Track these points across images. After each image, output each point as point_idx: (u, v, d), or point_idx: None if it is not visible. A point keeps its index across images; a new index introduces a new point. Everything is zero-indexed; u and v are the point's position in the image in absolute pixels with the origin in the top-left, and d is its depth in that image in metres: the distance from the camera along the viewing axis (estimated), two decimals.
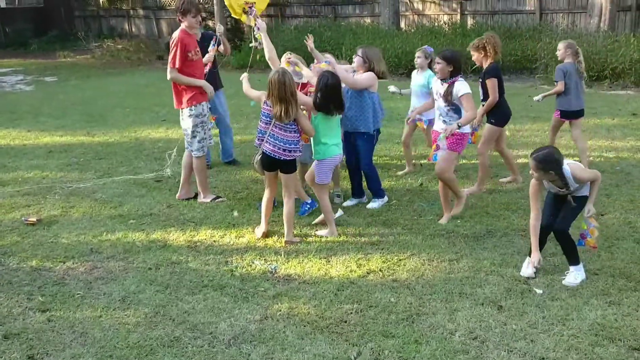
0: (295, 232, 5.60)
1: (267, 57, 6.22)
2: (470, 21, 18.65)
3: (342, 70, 5.89)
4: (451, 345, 3.82)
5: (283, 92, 5.12)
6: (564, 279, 4.58)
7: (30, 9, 34.93)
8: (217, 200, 6.56)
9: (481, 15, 18.61)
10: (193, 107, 6.27)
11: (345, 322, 4.12)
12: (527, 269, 4.69)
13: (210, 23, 20.59)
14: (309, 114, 5.64)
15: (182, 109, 6.35)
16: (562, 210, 4.62)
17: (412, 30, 18.48)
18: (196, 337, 4.00)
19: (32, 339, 4.02)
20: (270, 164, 5.39)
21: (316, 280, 4.74)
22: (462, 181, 6.96)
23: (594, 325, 3.99)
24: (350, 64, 6.47)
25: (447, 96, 5.50)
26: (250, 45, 6.59)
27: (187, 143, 6.49)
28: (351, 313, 4.23)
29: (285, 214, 5.45)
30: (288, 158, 5.34)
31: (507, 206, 6.20)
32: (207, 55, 7.17)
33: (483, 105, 6.48)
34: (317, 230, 5.70)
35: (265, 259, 5.14)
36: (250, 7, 6.49)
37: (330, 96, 5.38)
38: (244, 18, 6.64)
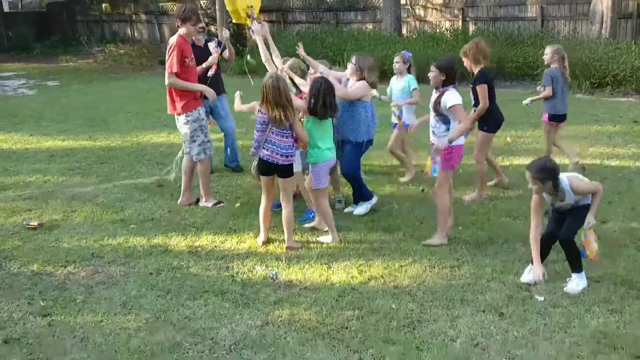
0: (296, 238, 5.59)
1: (263, 60, 6.26)
2: (472, 27, 18.67)
3: (335, 80, 5.89)
4: (452, 352, 3.82)
5: (278, 96, 5.13)
6: (565, 286, 4.57)
7: (33, 13, 35.10)
8: (218, 205, 6.56)
9: (483, 22, 18.63)
10: (189, 112, 6.28)
11: (347, 328, 4.12)
12: (527, 275, 4.69)
13: (212, 28, 20.62)
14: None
15: (177, 115, 6.35)
16: (566, 218, 4.61)
17: (414, 37, 18.51)
18: (197, 342, 3.99)
19: (33, 343, 4.02)
20: (268, 169, 5.39)
21: (317, 286, 4.74)
22: (463, 188, 6.96)
23: (595, 333, 3.98)
24: None
25: (436, 105, 5.37)
26: (248, 60, 6.65)
27: (186, 148, 6.51)
28: (352, 319, 4.22)
29: (285, 219, 5.45)
30: (286, 163, 5.35)
31: (508, 213, 6.20)
32: (210, 58, 7.18)
33: (474, 111, 6.49)
34: (318, 236, 5.69)
35: (266, 265, 5.14)
36: (252, 11, 6.51)
37: (323, 101, 5.41)
38: (248, 22, 6.64)
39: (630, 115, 10.76)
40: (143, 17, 27.58)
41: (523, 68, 14.90)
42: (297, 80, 5.99)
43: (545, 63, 7.46)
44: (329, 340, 3.98)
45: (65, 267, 5.16)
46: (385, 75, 15.13)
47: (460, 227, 5.82)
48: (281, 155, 5.29)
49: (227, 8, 6.83)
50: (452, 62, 5.44)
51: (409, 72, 7.01)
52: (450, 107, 5.26)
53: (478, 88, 6.38)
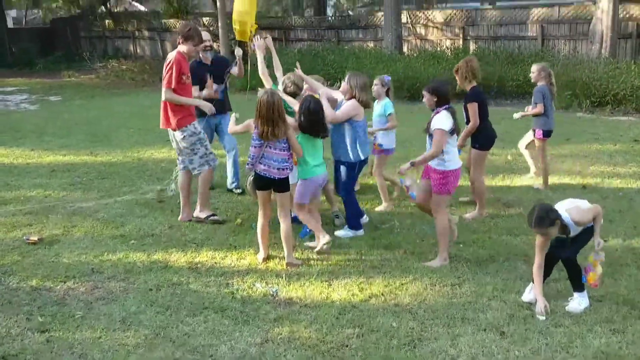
0: (296, 255, 5.58)
1: (260, 74, 6.37)
2: (472, 46, 18.80)
3: (327, 105, 5.92)
4: None
5: (271, 111, 5.16)
6: (567, 305, 4.55)
7: (36, 29, 35.38)
8: (211, 217, 6.53)
9: (483, 41, 18.76)
10: (184, 128, 6.30)
11: (347, 346, 4.09)
12: (529, 294, 4.67)
13: (215, 45, 20.74)
14: None
15: (173, 130, 6.36)
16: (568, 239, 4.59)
17: (415, 55, 18.61)
18: (196, 359, 3.96)
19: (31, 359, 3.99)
20: (264, 183, 5.40)
21: (317, 303, 4.71)
22: (464, 206, 6.96)
23: (598, 353, 3.95)
24: None
25: (428, 127, 5.35)
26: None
27: (183, 163, 6.54)
28: (352, 337, 4.20)
29: (283, 234, 5.44)
30: (282, 176, 5.36)
31: (509, 231, 6.18)
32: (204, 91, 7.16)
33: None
34: (311, 247, 5.71)
35: (266, 282, 5.12)
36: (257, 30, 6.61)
37: (311, 120, 5.48)
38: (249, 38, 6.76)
39: (630, 134, 10.78)
40: (146, 33, 27.80)
41: (523, 86, 14.94)
42: (287, 98, 6.01)
43: (533, 81, 7.65)
44: (329, 358, 3.95)
45: (64, 283, 5.14)
46: (386, 92, 15.27)
47: (461, 245, 5.81)
48: (277, 169, 5.31)
49: (236, 27, 6.89)
50: (441, 84, 5.45)
51: (387, 95, 6.96)
52: (434, 130, 5.27)
53: (469, 106, 6.43)
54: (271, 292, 4.91)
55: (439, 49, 19.10)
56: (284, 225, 5.44)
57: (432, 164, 5.38)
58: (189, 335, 4.27)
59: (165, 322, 4.45)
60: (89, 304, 4.75)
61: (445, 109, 5.30)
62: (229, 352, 4.04)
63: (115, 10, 30.11)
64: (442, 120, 5.24)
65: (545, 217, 4.33)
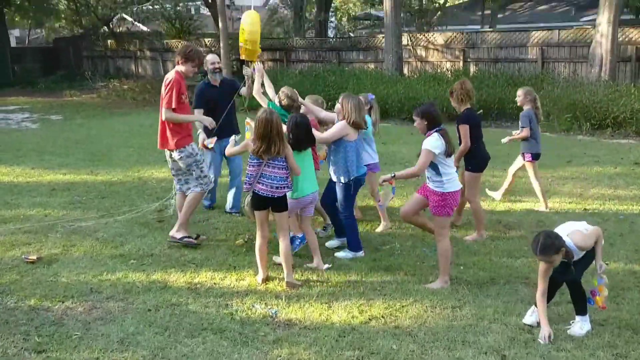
0: (296, 277, 5.55)
1: (254, 92, 6.66)
2: (472, 68, 18.91)
3: (315, 123, 6.11)
4: None
5: (269, 129, 5.19)
6: (569, 328, 4.51)
7: (39, 48, 35.67)
8: (186, 239, 6.40)
9: (484, 63, 18.88)
10: (182, 149, 6.31)
11: None
12: (530, 317, 4.63)
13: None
14: None
15: (170, 150, 6.37)
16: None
17: (415, 76, 18.72)
18: None
19: None
20: (262, 203, 5.40)
21: (317, 325, 4.68)
22: (465, 228, 6.94)
23: None
24: None
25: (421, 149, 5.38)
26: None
27: (179, 183, 6.55)
28: None
29: (283, 254, 5.43)
30: (280, 195, 5.36)
31: (510, 253, 6.16)
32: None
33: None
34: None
35: (265, 303, 5.08)
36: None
37: (300, 134, 5.56)
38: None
39: (631, 157, 10.80)
40: (148, 53, 28.01)
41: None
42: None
43: (518, 104, 7.75)
44: None
45: (62, 302, 5.10)
46: (387, 113, 15.39)
47: (462, 267, 5.78)
48: (276, 188, 5.32)
49: (247, 47, 6.99)
50: (429, 107, 5.48)
51: (369, 113, 6.97)
52: (421, 149, 5.30)
53: (460, 128, 6.49)
54: (270, 314, 4.87)
55: (439, 70, 19.23)
56: (283, 245, 5.43)
57: (431, 186, 5.39)
58: (187, 356, 4.23)
59: (163, 343, 4.41)
60: (87, 324, 4.71)
61: (437, 131, 5.33)
62: None
63: (118, 31, 30.35)
64: (432, 141, 5.27)
65: (551, 245, 4.30)
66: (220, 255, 6.21)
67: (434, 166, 5.32)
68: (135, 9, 27.19)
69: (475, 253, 6.18)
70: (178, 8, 26.74)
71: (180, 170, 6.44)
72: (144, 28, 30.24)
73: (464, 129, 6.45)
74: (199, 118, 6.60)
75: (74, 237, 6.77)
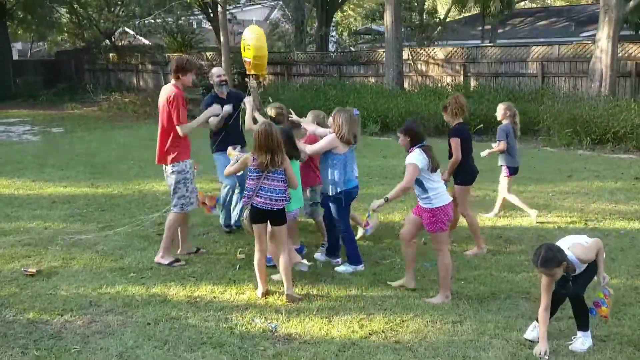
0: (296, 290, 5.53)
1: (246, 117, 6.87)
2: (473, 83, 18.97)
3: (302, 142, 6.26)
4: None
5: (270, 141, 5.23)
6: (570, 344, 4.48)
7: (41, 61, 35.83)
8: (175, 264, 6.28)
9: (484, 78, 18.94)
10: (176, 163, 6.29)
11: None
12: (532, 332, 4.61)
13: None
14: None
15: (166, 165, 6.36)
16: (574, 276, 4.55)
17: (416, 91, 18.78)
18: None
19: None
20: (260, 215, 5.39)
21: (317, 340, 4.65)
22: (465, 243, 6.92)
23: None
24: None
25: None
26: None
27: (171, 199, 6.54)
28: None
29: (282, 268, 5.41)
30: (279, 207, 5.36)
31: (510, 268, 6.14)
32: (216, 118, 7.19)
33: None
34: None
35: (265, 317, 5.06)
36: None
37: (286, 146, 5.59)
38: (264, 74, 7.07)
39: (631, 172, 10.80)
40: (149, 67, 28.12)
41: (524, 123, 15.01)
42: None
43: (498, 119, 7.89)
44: None
45: (61, 316, 5.08)
46: (387, 127, 15.41)
47: (462, 282, 5.76)
48: (275, 200, 5.33)
49: (256, 62, 7.09)
50: (411, 124, 5.59)
51: None
52: (405, 165, 5.37)
53: (451, 141, 6.56)
54: (270, 328, 4.85)
55: (439, 85, 19.29)
56: (282, 259, 5.41)
57: (421, 203, 5.44)
58: None
59: (162, 357, 4.39)
60: (86, 338, 4.69)
61: (419, 147, 5.39)
62: None
63: (120, 44, 30.48)
64: (414, 156, 5.35)
65: (552, 257, 4.28)
66: (220, 268, 6.19)
67: (419, 182, 5.37)
68: (137, 22, 27.30)
69: (476, 267, 6.17)
70: (180, 22, 26.84)
71: (170, 186, 6.41)
72: (146, 41, 30.36)
73: (455, 142, 6.52)
74: (206, 113, 6.78)
75: (73, 250, 6.76)
